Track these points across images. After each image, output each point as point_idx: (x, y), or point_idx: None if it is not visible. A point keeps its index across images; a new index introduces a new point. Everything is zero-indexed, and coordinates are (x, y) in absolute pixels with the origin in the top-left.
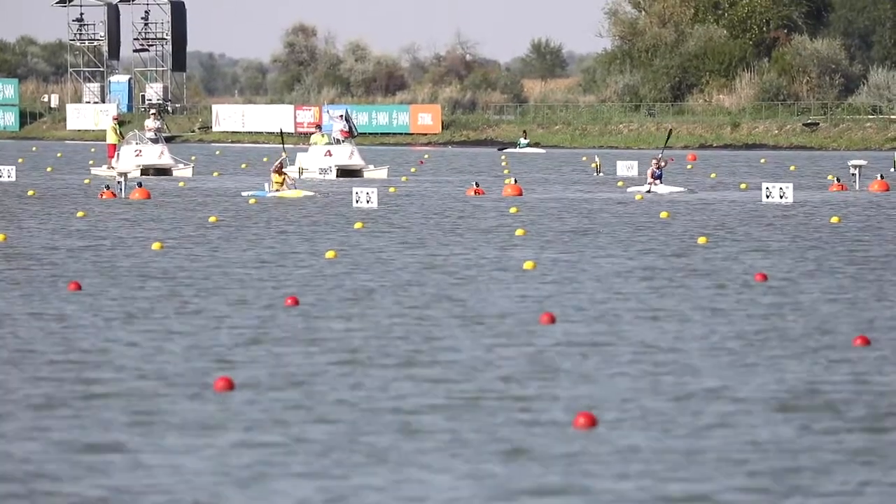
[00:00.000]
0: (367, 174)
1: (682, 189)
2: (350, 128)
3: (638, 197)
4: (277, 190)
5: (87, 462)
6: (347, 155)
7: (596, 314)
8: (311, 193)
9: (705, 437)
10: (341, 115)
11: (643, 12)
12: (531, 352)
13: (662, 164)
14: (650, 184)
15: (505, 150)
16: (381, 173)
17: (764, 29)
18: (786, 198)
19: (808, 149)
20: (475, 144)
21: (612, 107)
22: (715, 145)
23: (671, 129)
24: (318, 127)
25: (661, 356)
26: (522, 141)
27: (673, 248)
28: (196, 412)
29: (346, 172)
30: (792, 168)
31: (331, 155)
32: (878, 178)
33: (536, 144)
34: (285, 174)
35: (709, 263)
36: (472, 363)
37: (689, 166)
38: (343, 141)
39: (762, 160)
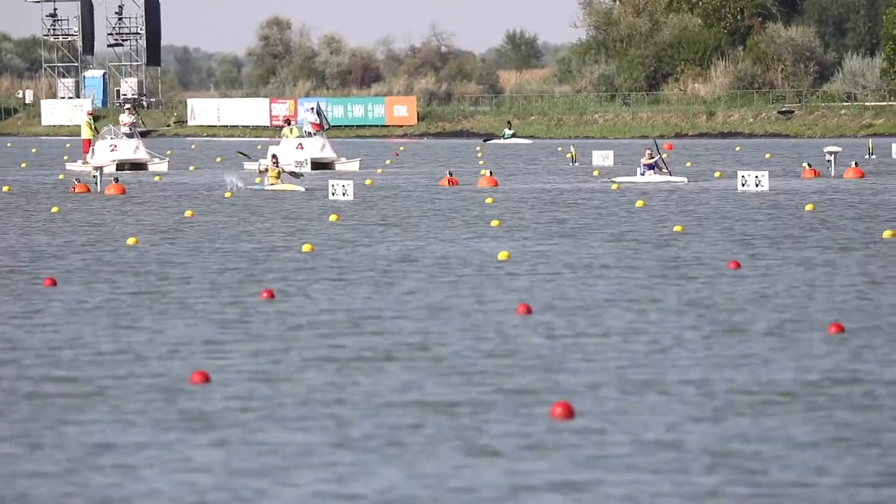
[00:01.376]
0: (338, 167)
1: (682, 179)
2: (321, 121)
3: (614, 186)
4: (273, 183)
5: (67, 460)
6: (319, 148)
7: (571, 304)
8: (303, 189)
9: (684, 429)
10: (312, 108)
11: (618, 2)
12: (507, 342)
13: (656, 155)
14: (645, 172)
15: (489, 142)
16: (353, 165)
17: (738, 17)
18: (761, 185)
19: (784, 136)
20: (451, 136)
21: (587, 97)
22: (690, 134)
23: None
24: (288, 121)
25: (634, 345)
26: (507, 132)
27: (648, 237)
28: (169, 409)
29: (317, 165)
30: (767, 156)
31: (302, 148)
32: (853, 165)
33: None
34: (281, 168)
35: (684, 251)
36: (447, 355)
37: (665, 155)
38: (314, 134)
39: (738, 148)
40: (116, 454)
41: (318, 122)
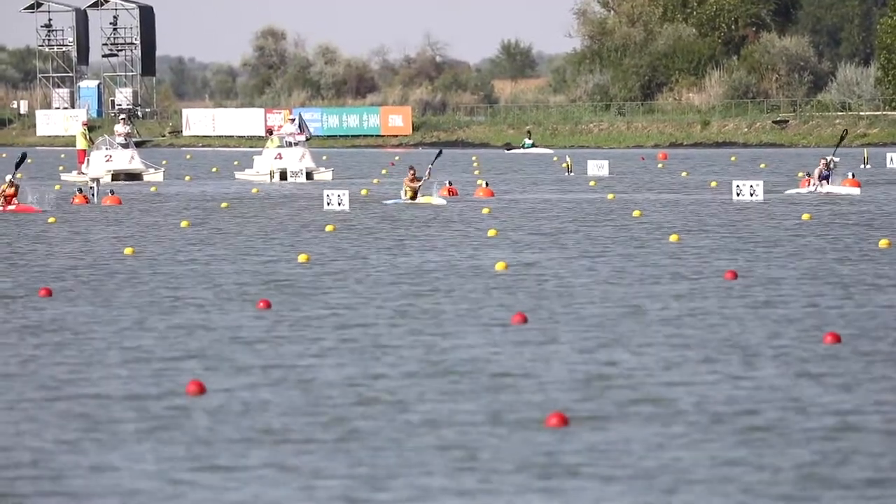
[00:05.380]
0: (316, 176)
1: (855, 191)
2: (304, 130)
3: (610, 196)
4: (412, 198)
5: (55, 469)
6: (298, 157)
7: (568, 312)
8: (443, 202)
9: (680, 439)
10: (293, 119)
11: (612, 12)
12: (503, 351)
13: (832, 165)
14: (816, 185)
15: (511, 150)
16: (327, 175)
17: (732, 27)
18: (756, 195)
19: (778, 146)
20: (446, 145)
21: (582, 106)
22: (685, 144)
23: (846, 130)
24: (270, 132)
25: (629, 355)
26: (527, 141)
27: (645, 246)
28: (163, 417)
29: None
30: (762, 165)
31: (281, 158)
32: (850, 175)
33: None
34: (418, 180)
35: (680, 261)
36: (447, 362)
37: (660, 165)
38: (296, 144)
39: (732, 158)
40: (107, 462)
41: (299, 131)
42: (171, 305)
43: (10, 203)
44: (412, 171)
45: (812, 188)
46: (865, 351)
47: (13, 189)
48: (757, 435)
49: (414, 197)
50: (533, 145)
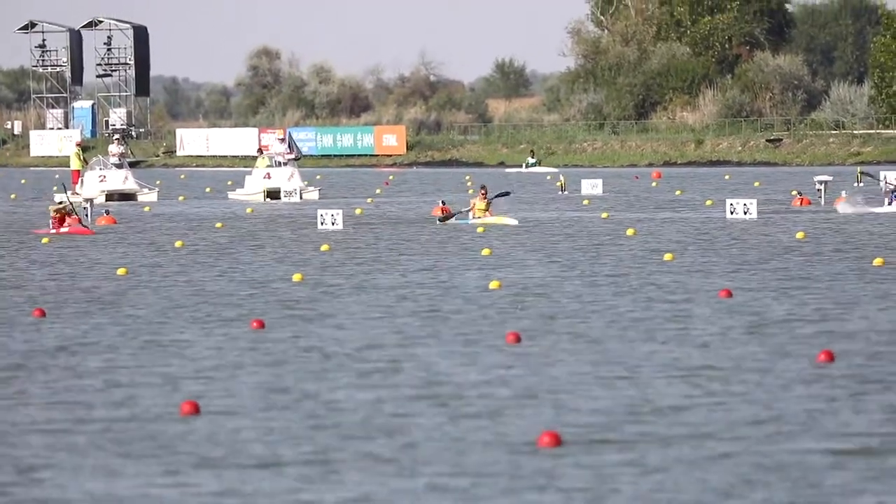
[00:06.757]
0: (304, 195)
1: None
2: (293, 150)
3: (604, 215)
4: (480, 217)
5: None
6: (287, 177)
7: (561, 331)
8: (515, 221)
9: (671, 456)
10: (282, 139)
11: (606, 31)
12: (495, 370)
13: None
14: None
15: (512, 171)
16: (314, 195)
17: (726, 46)
18: (750, 214)
19: (772, 165)
20: (440, 165)
21: (576, 125)
22: (679, 162)
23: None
24: (261, 151)
25: (624, 373)
26: (530, 160)
27: (639, 265)
28: (162, 438)
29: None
30: (756, 184)
31: (270, 178)
32: (843, 194)
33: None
34: (488, 201)
35: (674, 280)
36: (440, 379)
37: (654, 184)
38: (285, 164)
39: (726, 176)
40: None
41: (288, 150)
42: (163, 325)
43: (62, 224)
44: (483, 191)
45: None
46: (859, 370)
47: (63, 210)
48: (749, 458)
49: (483, 215)
50: (537, 164)
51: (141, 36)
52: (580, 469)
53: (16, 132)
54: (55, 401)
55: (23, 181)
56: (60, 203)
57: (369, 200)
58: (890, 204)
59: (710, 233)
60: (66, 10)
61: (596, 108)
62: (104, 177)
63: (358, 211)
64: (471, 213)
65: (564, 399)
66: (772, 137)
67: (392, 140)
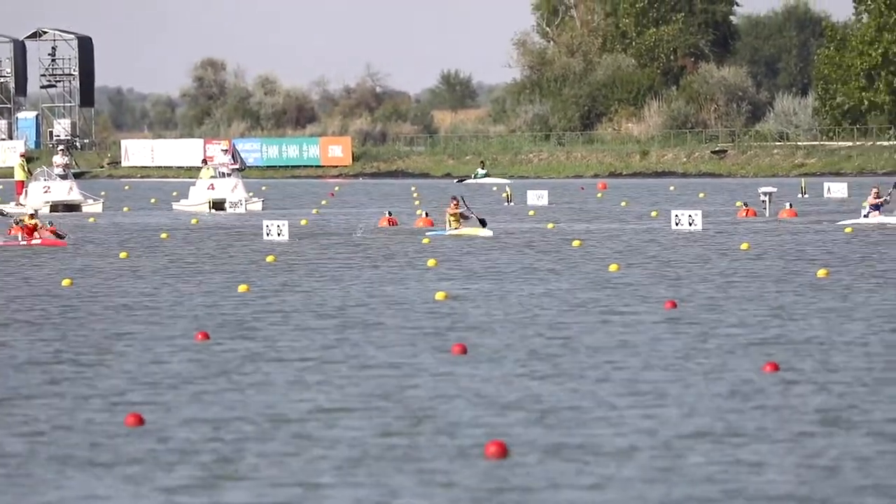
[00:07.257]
0: (248, 206)
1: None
2: (237, 161)
3: (550, 226)
4: (456, 228)
5: None
6: (231, 188)
7: (509, 343)
8: (490, 232)
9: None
10: (225, 150)
11: (552, 42)
12: (442, 381)
13: (884, 194)
14: (869, 213)
15: (463, 182)
16: (258, 206)
17: (671, 57)
18: (695, 225)
19: (717, 176)
20: (386, 176)
21: (522, 136)
22: (624, 173)
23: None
24: (205, 162)
25: (571, 384)
26: (480, 171)
27: (584, 277)
28: (106, 449)
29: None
30: (701, 195)
31: (213, 188)
32: (787, 206)
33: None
34: (460, 212)
35: (619, 291)
36: (388, 393)
37: (599, 195)
38: (229, 174)
39: (671, 188)
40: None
41: (232, 161)
42: (108, 337)
43: (32, 237)
44: (455, 202)
45: (863, 217)
46: (804, 377)
47: (34, 222)
48: (695, 470)
49: (458, 226)
50: (486, 175)
51: (86, 46)
52: (528, 478)
53: None
54: None
55: None
56: (30, 215)
57: (315, 211)
58: (866, 216)
59: (655, 243)
60: (10, 20)
61: (542, 120)
62: (48, 188)
63: (303, 222)
64: (446, 224)
65: (503, 407)
66: (717, 149)
67: (338, 151)
